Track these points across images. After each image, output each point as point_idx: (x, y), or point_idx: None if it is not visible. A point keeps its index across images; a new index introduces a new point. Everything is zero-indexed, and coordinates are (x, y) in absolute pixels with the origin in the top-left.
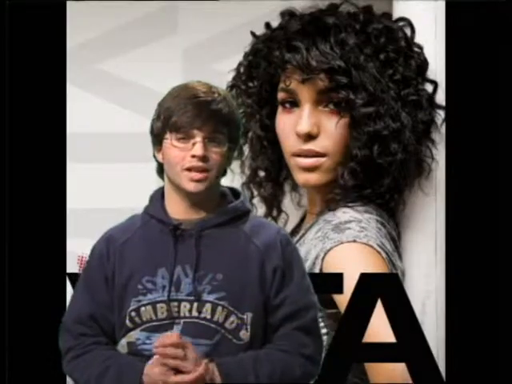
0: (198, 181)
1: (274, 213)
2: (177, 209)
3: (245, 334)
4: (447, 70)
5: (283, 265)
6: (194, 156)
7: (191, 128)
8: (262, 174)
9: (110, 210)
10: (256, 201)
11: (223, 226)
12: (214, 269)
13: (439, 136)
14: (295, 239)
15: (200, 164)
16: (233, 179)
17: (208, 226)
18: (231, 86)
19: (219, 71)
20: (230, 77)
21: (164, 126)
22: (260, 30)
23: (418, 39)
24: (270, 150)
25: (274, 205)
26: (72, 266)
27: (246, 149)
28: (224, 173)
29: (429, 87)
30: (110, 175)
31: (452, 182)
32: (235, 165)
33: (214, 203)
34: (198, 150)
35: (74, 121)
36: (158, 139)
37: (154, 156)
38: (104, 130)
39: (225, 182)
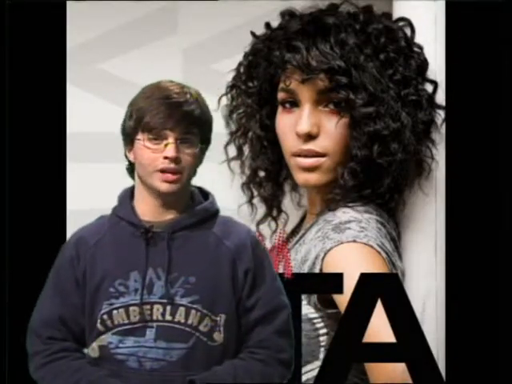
0: (170, 182)
1: (274, 213)
2: (147, 209)
3: (218, 336)
4: (447, 70)
5: (254, 266)
6: (166, 157)
7: (163, 129)
8: (261, 174)
9: (110, 210)
10: (256, 201)
11: (194, 228)
12: (186, 271)
13: (439, 136)
14: (295, 239)
15: (172, 166)
16: (233, 179)
17: (179, 228)
18: (231, 86)
19: (219, 71)
20: (230, 77)
21: (136, 126)
22: (260, 30)
23: (417, 39)
24: (270, 150)
25: (273, 205)
26: None
27: (246, 149)
28: (194, 173)
29: (429, 87)
30: (110, 175)
31: (452, 182)
32: (235, 165)
33: (184, 203)
34: (171, 151)
35: (74, 121)
36: (129, 139)
37: (126, 156)
38: (104, 129)
39: (225, 182)
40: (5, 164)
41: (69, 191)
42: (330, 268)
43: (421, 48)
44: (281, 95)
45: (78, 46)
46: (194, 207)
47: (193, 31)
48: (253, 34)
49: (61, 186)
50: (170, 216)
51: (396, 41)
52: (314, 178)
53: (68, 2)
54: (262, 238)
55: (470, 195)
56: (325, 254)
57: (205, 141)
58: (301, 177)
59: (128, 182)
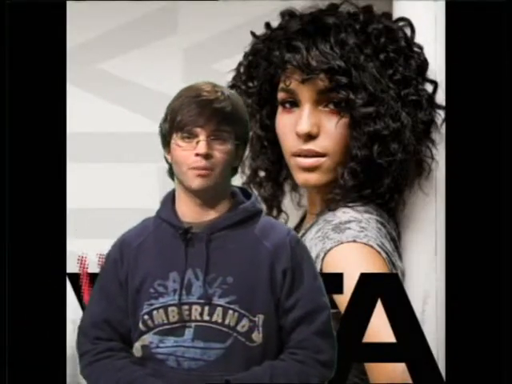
0: (202, 177)
1: (274, 213)
2: (187, 211)
3: (257, 336)
4: (447, 70)
5: (293, 266)
6: (197, 154)
7: (194, 126)
8: (262, 174)
9: (110, 210)
10: None
11: (233, 228)
12: (225, 272)
13: (439, 136)
14: None
15: (204, 162)
16: (233, 179)
17: (218, 229)
18: (231, 86)
19: (219, 71)
20: (230, 77)
21: (170, 126)
22: (260, 30)
23: (417, 39)
24: (270, 150)
25: (274, 205)
26: (72, 266)
27: (246, 149)
28: (234, 171)
29: (429, 87)
30: (110, 175)
31: (452, 182)
32: None
33: (223, 204)
34: (202, 148)
35: (74, 121)
36: (166, 140)
37: (165, 158)
38: (104, 129)
39: None
40: (5, 164)
41: (69, 191)
42: (329, 268)
43: (421, 48)
44: (281, 95)
45: (77, 45)
46: (233, 208)
47: (193, 31)
48: (253, 34)
49: (61, 186)
50: (209, 217)
51: (396, 41)
52: (314, 178)
53: (68, 2)
54: None
55: (469, 195)
56: (325, 254)
57: (240, 137)
58: (301, 177)
59: (128, 182)
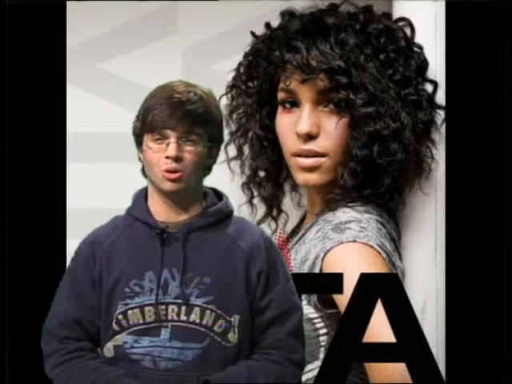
0: (173, 181)
1: (274, 213)
2: (160, 210)
3: (233, 337)
4: (447, 70)
5: (268, 268)
6: (167, 157)
7: (165, 128)
8: (261, 174)
9: (110, 210)
10: (256, 201)
11: (208, 228)
12: (201, 272)
13: (439, 136)
14: (295, 239)
15: (174, 165)
16: (233, 179)
17: (194, 229)
18: (231, 86)
19: (219, 71)
20: (229, 77)
21: (142, 126)
22: (260, 30)
23: (417, 39)
24: (270, 150)
25: (274, 205)
26: None
27: (246, 149)
28: (208, 171)
29: (429, 87)
30: (110, 175)
31: (452, 181)
32: (235, 165)
33: (196, 204)
34: (172, 150)
35: (74, 121)
36: (138, 140)
37: (139, 157)
38: (104, 130)
39: (225, 181)
40: (5, 164)
41: (69, 191)
42: (329, 268)
43: (421, 48)
44: (281, 95)
45: (77, 45)
46: (208, 208)
47: (193, 31)
48: (253, 34)
49: (61, 186)
50: (183, 217)
51: (396, 41)
52: (313, 177)
53: (68, 2)
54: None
55: (469, 195)
56: (325, 254)
57: (213, 139)
58: (301, 177)
59: (128, 182)
